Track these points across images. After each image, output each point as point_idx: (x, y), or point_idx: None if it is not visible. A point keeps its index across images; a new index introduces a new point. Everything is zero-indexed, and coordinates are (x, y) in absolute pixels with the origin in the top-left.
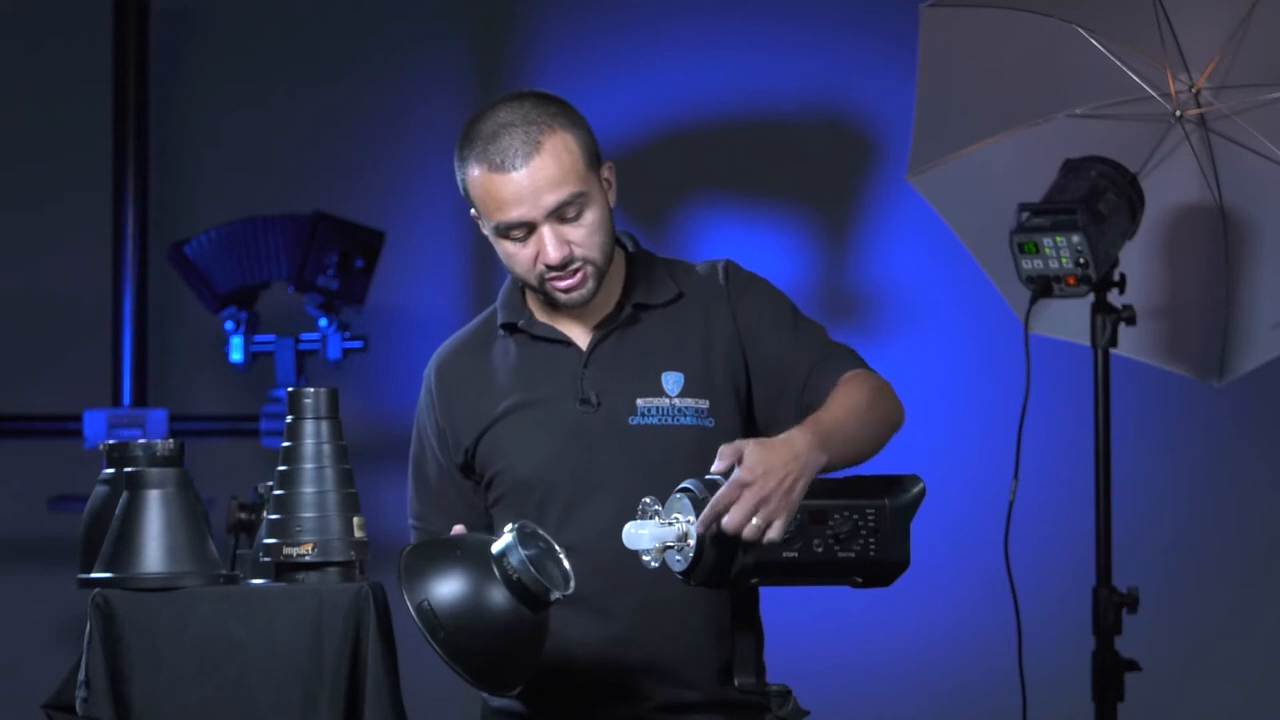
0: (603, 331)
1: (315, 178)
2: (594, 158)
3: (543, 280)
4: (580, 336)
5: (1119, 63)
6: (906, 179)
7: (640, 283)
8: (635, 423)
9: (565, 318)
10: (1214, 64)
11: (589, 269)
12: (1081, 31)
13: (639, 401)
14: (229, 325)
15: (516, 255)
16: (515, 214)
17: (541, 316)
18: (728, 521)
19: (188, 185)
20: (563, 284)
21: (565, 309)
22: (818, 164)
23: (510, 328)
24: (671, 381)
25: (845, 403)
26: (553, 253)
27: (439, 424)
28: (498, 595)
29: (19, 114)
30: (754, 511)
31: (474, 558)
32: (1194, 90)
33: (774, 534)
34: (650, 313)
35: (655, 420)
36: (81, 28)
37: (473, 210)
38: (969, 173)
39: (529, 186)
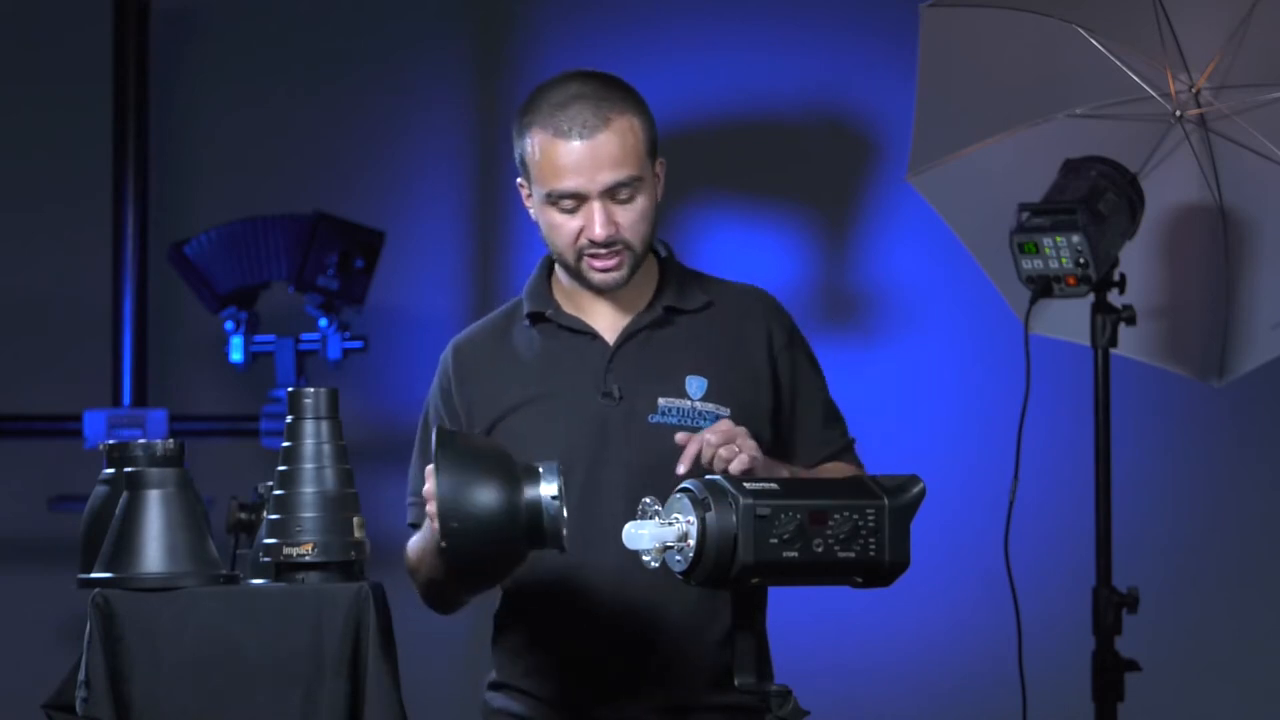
0: (633, 327)
1: (315, 178)
2: (654, 147)
3: (580, 256)
4: (608, 331)
5: (1119, 63)
6: (906, 179)
7: (671, 287)
8: (655, 420)
9: (593, 311)
10: (1214, 64)
11: (627, 254)
12: (1081, 31)
13: (660, 400)
14: (229, 325)
15: (562, 227)
16: (571, 183)
17: (569, 309)
18: (705, 453)
19: (188, 185)
20: (600, 263)
21: (599, 291)
22: (818, 164)
23: (537, 317)
24: (695, 385)
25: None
26: (599, 229)
27: (455, 404)
28: (516, 508)
29: (19, 114)
30: (723, 444)
31: (507, 471)
32: (1194, 90)
33: (737, 467)
34: (680, 316)
35: (675, 420)
36: (81, 28)
37: (520, 181)
38: (969, 173)
39: (590, 159)
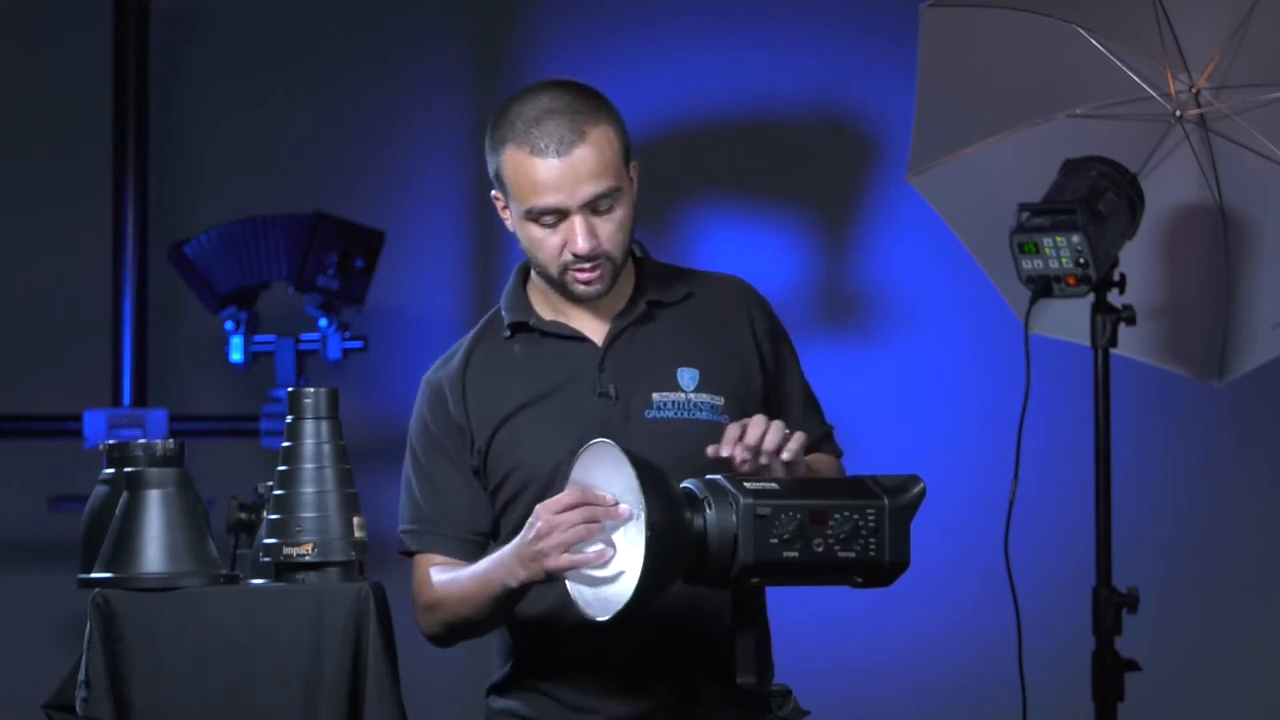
0: (619, 326)
1: (315, 178)
2: (628, 154)
3: (564, 270)
4: (593, 333)
5: (1119, 63)
6: (906, 179)
7: (651, 283)
8: (651, 416)
9: (575, 316)
10: (1214, 64)
11: (608, 265)
12: (1081, 31)
13: (654, 395)
14: (229, 325)
15: (543, 242)
16: (551, 200)
17: (550, 315)
18: (751, 434)
19: (188, 185)
20: (583, 276)
21: (580, 301)
22: (818, 164)
23: (520, 327)
24: (687, 377)
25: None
26: (582, 243)
27: (456, 422)
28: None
29: (19, 114)
30: (768, 430)
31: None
32: (1194, 90)
33: (789, 455)
34: (664, 310)
35: (671, 414)
36: (81, 28)
37: (494, 194)
38: (969, 173)
39: (569, 174)
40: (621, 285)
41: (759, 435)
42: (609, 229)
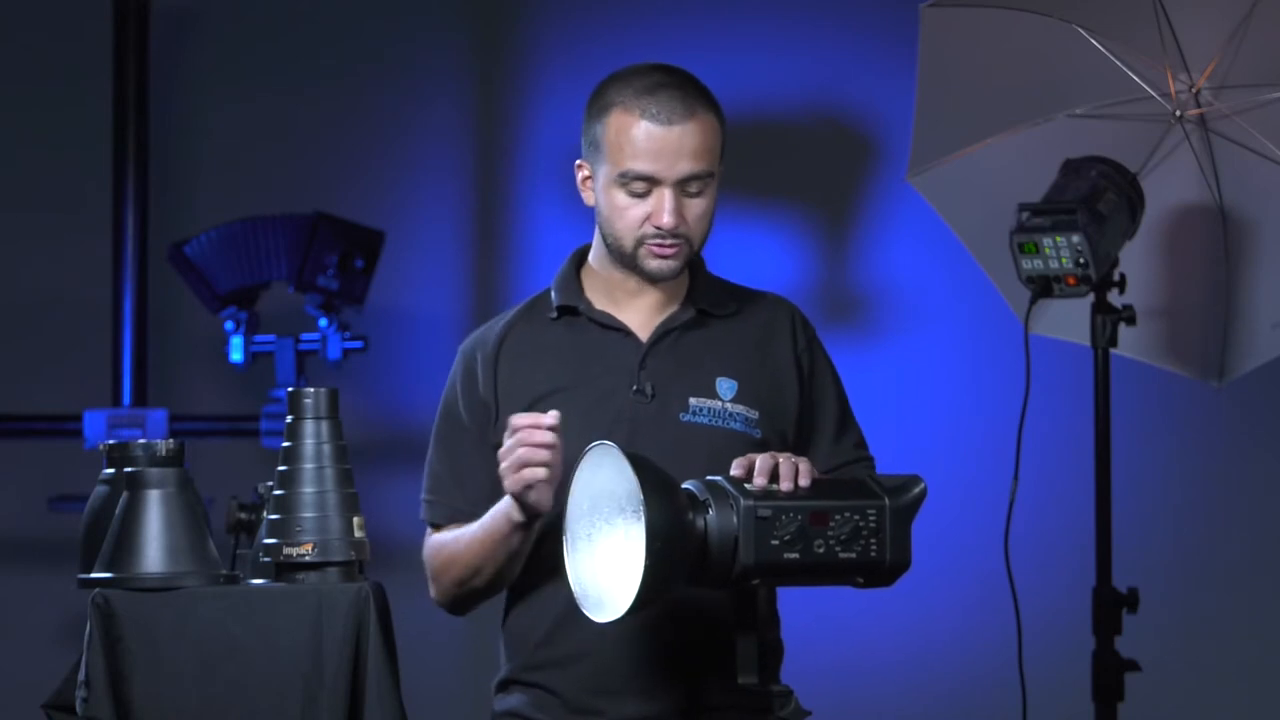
0: (666, 326)
1: (315, 178)
2: (723, 152)
3: (640, 242)
4: (639, 329)
5: (1119, 63)
6: (906, 179)
7: (703, 291)
8: (686, 419)
9: (625, 308)
10: (1214, 64)
11: (685, 248)
12: (1081, 31)
13: (692, 400)
14: (229, 325)
15: (627, 210)
16: (648, 166)
17: (600, 305)
18: (760, 467)
19: (188, 185)
20: (659, 250)
21: (651, 280)
22: (818, 164)
23: (569, 311)
24: (725, 387)
25: None
26: (668, 217)
27: (483, 399)
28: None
29: (19, 114)
30: (778, 462)
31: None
32: (1194, 90)
33: (804, 480)
34: (712, 320)
35: (706, 420)
36: (81, 28)
37: (579, 163)
38: (969, 173)
39: (673, 146)
40: (676, 287)
41: (768, 470)
42: (695, 212)
